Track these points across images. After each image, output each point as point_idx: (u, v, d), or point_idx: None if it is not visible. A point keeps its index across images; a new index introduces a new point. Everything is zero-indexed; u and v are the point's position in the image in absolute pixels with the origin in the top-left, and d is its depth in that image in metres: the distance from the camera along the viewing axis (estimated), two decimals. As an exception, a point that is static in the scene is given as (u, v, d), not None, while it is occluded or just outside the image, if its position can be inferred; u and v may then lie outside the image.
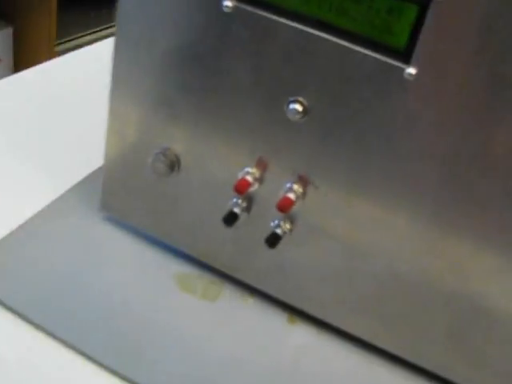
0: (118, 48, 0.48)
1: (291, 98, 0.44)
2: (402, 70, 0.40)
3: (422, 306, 0.47)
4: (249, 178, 0.47)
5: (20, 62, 1.71)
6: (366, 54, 0.41)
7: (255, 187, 0.48)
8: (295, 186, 0.46)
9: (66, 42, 1.84)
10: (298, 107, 0.44)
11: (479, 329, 0.46)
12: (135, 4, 0.46)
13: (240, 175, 0.47)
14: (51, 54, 1.63)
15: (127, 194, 0.54)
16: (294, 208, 0.47)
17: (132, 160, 0.52)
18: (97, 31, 1.96)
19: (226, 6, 0.43)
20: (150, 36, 0.47)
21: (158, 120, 0.49)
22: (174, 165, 0.50)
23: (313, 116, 0.44)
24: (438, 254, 0.44)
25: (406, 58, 0.40)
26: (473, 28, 0.38)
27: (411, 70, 0.40)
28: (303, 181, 0.46)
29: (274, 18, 0.42)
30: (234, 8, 0.43)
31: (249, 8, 0.43)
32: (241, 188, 0.47)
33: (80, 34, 1.90)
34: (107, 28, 1.95)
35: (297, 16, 0.42)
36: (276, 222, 0.48)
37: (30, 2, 1.62)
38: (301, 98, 0.44)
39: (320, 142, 0.45)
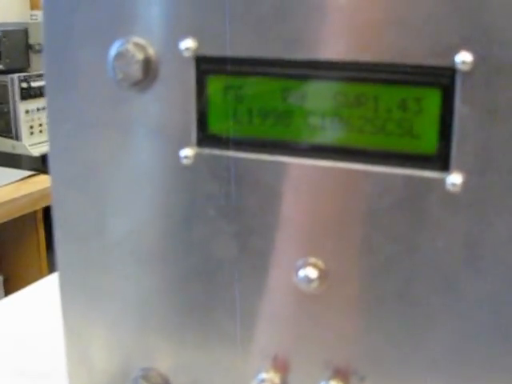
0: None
1: (299, 262, 0.31)
2: (442, 181, 0.28)
3: None
4: (266, 388, 0.33)
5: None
6: (387, 173, 0.29)
7: (278, 400, 0.33)
8: (333, 384, 0.32)
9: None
10: (311, 273, 0.31)
11: None
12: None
13: (253, 386, 0.33)
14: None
15: None
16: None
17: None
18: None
19: (185, 157, 0.32)
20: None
21: (131, 333, 0.36)
22: (162, 390, 0.36)
23: (335, 278, 0.31)
24: None
25: (443, 164, 0.28)
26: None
27: (454, 179, 0.28)
28: (342, 375, 0.32)
29: (254, 156, 0.31)
30: (195, 157, 0.32)
31: (215, 152, 0.32)
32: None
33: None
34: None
35: (285, 148, 0.31)
36: None
37: (19, 251, 1.62)
38: (313, 259, 0.31)
39: (354, 313, 0.31)
